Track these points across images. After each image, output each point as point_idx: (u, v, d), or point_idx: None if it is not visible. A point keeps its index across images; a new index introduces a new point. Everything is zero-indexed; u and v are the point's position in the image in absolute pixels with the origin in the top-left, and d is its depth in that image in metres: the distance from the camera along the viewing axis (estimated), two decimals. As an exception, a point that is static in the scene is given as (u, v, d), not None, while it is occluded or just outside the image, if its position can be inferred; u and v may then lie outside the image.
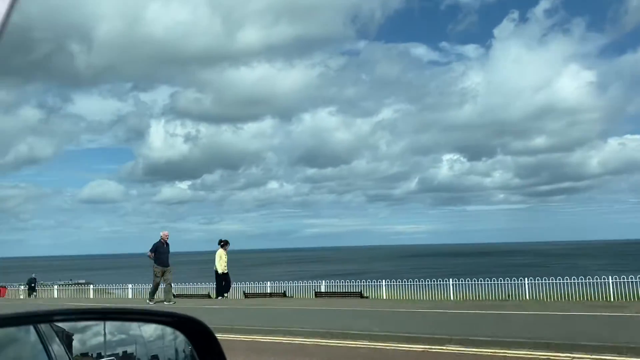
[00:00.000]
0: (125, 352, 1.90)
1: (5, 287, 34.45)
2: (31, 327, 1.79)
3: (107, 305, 19.61)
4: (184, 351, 1.93)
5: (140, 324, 1.93)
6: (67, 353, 1.88)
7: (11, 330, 1.77)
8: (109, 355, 1.82)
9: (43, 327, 1.81)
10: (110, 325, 1.87)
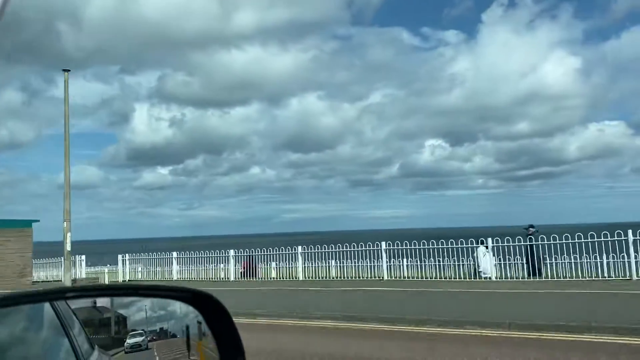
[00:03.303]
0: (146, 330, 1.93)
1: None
2: (47, 305, 1.80)
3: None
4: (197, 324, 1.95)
5: (152, 299, 1.95)
6: (83, 329, 1.89)
7: (26, 307, 1.77)
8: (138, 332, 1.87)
9: (59, 304, 1.82)
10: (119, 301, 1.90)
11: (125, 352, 1.89)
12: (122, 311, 1.92)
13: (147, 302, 1.91)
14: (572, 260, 18.25)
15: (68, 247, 26.48)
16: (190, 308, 1.78)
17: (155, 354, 1.91)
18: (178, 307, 1.87)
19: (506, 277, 19.25)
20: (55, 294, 1.85)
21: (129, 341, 1.89)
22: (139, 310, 1.91)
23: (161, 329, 1.94)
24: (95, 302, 1.87)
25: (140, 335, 1.90)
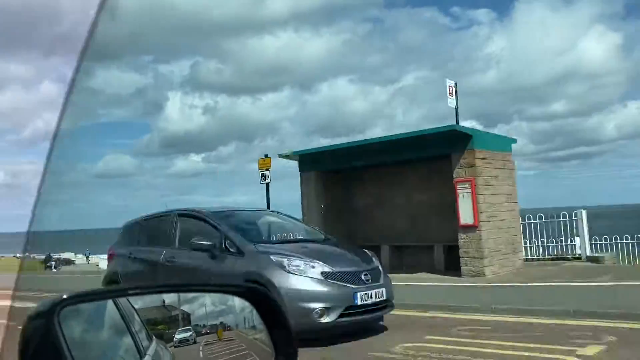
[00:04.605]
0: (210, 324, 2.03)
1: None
2: (110, 302, 1.88)
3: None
4: (247, 319, 2.02)
5: (209, 295, 2.03)
6: (144, 325, 1.97)
7: (92, 305, 1.85)
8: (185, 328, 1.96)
9: (122, 301, 1.90)
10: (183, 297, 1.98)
11: (175, 347, 1.98)
12: (186, 307, 2.01)
13: (209, 298, 1.99)
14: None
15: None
16: (246, 303, 1.84)
17: (200, 348, 1.99)
18: (236, 302, 1.94)
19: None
20: (118, 292, 1.93)
21: (178, 337, 1.98)
22: (201, 305, 2.00)
23: (221, 322, 2.03)
24: (164, 300, 1.95)
25: (188, 330, 1.99)
